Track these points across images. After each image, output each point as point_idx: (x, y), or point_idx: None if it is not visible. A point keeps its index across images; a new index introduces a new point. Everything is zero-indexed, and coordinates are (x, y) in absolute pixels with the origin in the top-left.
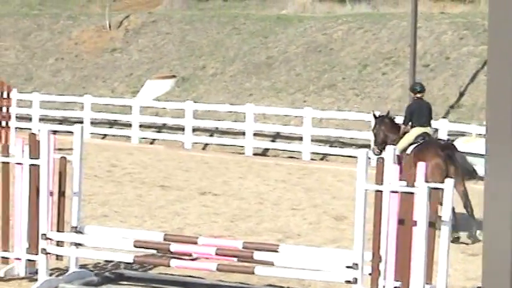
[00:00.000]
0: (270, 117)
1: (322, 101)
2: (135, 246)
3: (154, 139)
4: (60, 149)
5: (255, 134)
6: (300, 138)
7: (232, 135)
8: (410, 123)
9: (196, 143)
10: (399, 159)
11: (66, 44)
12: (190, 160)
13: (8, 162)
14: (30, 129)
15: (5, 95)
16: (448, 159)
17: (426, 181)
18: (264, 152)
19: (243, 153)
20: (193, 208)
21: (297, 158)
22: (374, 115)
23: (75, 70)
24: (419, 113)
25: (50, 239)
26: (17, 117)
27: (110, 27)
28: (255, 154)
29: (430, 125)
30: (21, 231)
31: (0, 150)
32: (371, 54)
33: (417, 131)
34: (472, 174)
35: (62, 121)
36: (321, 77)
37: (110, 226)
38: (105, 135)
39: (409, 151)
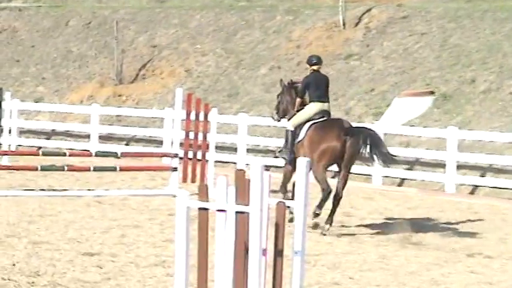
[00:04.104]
0: None
1: None
2: None
3: (403, 179)
4: (274, 191)
5: None
6: None
7: None
8: (308, 97)
9: (461, 184)
10: (293, 135)
11: (285, 48)
12: (453, 208)
13: (206, 209)
14: (235, 163)
15: (201, 117)
16: (347, 144)
17: None
18: None
19: None
20: (457, 275)
21: None
22: (281, 81)
23: None
24: (317, 86)
25: None
26: (217, 146)
27: (344, 24)
28: None
29: (328, 100)
30: None
31: (197, 192)
32: None
33: (316, 106)
34: (386, 156)
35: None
36: None
37: None
38: (336, 172)
39: (306, 127)
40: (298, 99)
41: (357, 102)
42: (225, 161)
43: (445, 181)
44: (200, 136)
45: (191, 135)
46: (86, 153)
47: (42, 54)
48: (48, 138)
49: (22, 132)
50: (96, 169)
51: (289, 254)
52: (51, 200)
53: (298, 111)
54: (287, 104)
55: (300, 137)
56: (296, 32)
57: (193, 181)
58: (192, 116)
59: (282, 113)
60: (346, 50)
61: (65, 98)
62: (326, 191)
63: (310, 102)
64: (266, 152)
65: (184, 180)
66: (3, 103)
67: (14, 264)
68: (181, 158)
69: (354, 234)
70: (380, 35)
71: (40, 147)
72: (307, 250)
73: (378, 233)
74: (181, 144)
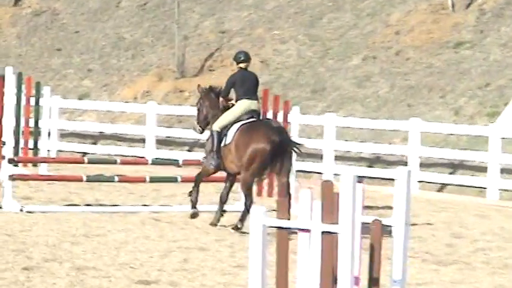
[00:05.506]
0: None
1: None
2: None
3: None
4: (368, 207)
5: None
6: None
7: None
8: (235, 97)
9: None
10: (219, 137)
11: (381, 34)
12: None
13: (286, 228)
14: (320, 173)
15: (280, 117)
16: (278, 147)
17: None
18: None
19: None
20: None
21: None
22: (198, 86)
23: (395, 77)
24: (243, 83)
25: None
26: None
27: (453, 6)
28: None
29: (257, 99)
30: None
31: (275, 208)
32: None
33: (244, 105)
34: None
35: (373, 161)
36: None
37: None
38: (444, 184)
39: (234, 129)
40: (221, 99)
41: (468, 99)
42: (309, 170)
43: None
44: None
45: None
46: (141, 161)
47: (88, 41)
48: (95, 143)
49: (64, 135)
50: (152, 180)
51: (387, 282)
52: (99, 217)
53: (223, 111)
54: (207, 110)
55: (228, 140)
56: (395, 15)
57: (270, 195)
58: (269, 116)
59: (204, 121)
60: (455, 36)
61: (116, 94)
62: (248, 205)
63: (237, 100)
64: (359, 159)
65: (260, 193)
66: (41, 100)
67: None
68: None
69: (464, 260)
70: (496, 19)
71: (85, 154)
72: (408, 278)
73: (493, 258)
74: None
